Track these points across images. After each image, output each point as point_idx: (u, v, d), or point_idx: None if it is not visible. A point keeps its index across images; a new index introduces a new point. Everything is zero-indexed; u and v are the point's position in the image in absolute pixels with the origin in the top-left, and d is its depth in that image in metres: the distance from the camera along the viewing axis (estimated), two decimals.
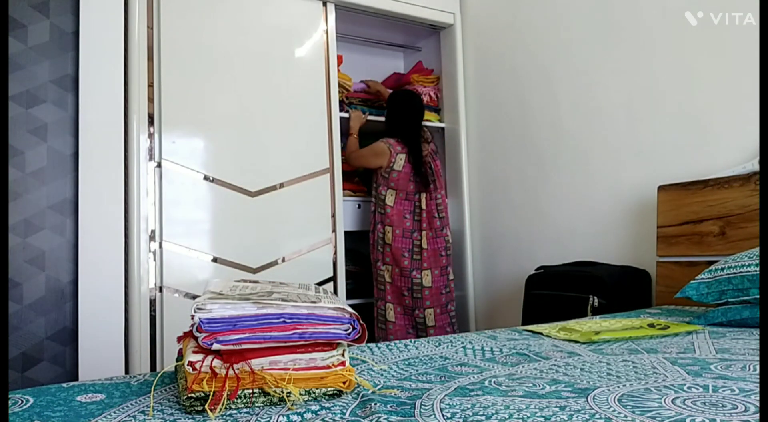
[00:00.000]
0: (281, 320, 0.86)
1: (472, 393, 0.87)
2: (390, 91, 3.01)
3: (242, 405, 0.82)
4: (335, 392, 0.87)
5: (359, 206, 2.98)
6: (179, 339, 1.01)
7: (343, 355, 0.90)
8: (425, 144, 2.81)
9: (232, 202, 2.43)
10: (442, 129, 3.22)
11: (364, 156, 2.77)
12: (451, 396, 0.86)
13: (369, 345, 1.33)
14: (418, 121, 2.84)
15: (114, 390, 0.95)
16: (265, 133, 2.54)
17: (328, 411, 0.80)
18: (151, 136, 2.30)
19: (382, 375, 1.04)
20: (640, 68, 2.31)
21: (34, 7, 2.11)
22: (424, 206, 2.71)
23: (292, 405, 0.82)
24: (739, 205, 1.90)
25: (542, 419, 0.72)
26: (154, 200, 2.28)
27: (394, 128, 2.80)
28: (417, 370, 1.08)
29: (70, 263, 2.11)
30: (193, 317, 0.85)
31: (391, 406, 0.81)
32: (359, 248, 3.25)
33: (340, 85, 2.83)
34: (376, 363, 1.14)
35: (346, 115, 2.89)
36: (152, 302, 2.25)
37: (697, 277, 1.65)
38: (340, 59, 2.91)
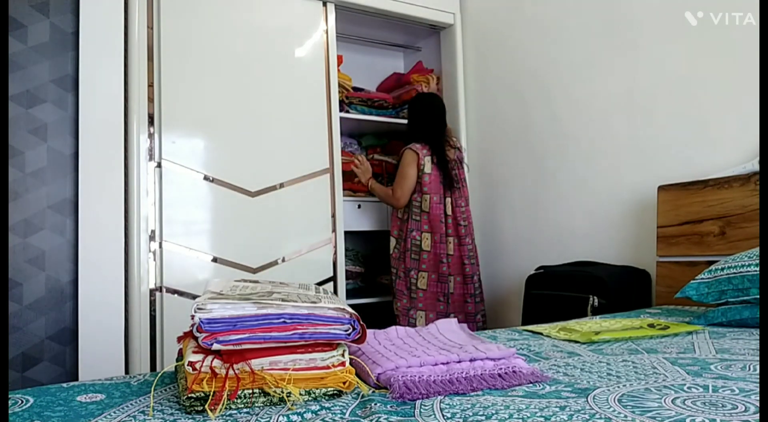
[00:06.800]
0: (281, 320, 0.86)
1: (472, 393, 0.87)
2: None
3: (242, 405, 0.82)
4: (335, 392, 0.87)
5: (359, 206, 2.97)
6: (179, 339, 1.01)
7: (343, 356, 0.90)
8: (452, 149, 2.70)
9: (232, 202, 2.43)
10: None
11: (403, 176, 2.61)
12: (451, 396, 0.86)
13: None
14: (441, 121, 2.74)
15: (114, 390, 0.95)
16: (265, 133, 2.54)
17: (328, 411, 0.80)
18: (151, 136, 2.30)
19: None
20: (640, 68, 2.31)
21: (34, 7, 2.11)
22: (449, 211, 2.61)
23: (292, 405, 0.82)
24: (739, 205, 1.90)
25: (542, 419, 0.72)
26: (154, 200, 2.28)
27: (417, 132, 2.70)
28: None
29: (70, 263, 2.11)
30: (193, 317, 0.85)
31: (391, 406, 0.81)
32: (359, 248, 3.25)
33: (340, 85, 2.82)
34: None
35: (346, 115, 2.88)
36: (152, 302, 2.25)
37: (697, 277, 1.65)
38: (340, 59, 2.91)
